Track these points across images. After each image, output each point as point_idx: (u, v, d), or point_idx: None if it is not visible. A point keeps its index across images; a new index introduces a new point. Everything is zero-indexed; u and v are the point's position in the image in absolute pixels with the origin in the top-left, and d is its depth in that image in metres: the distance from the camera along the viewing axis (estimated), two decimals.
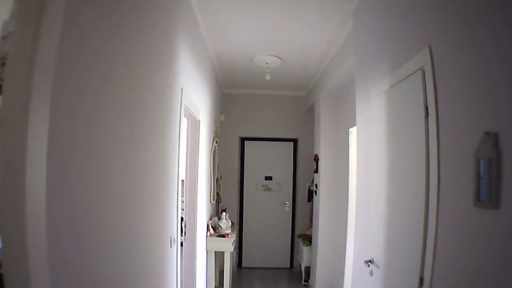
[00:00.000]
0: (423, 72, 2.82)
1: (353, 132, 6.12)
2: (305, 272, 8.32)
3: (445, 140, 2.55)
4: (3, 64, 1.43)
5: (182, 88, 4.09)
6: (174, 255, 3.91)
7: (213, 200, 7.31)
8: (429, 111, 2.75)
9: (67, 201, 1.69)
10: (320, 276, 7.54)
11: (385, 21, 3.75)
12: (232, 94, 9.44)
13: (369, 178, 4.10)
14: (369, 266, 3.84)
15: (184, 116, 4.65)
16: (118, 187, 2.35)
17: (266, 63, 6.88)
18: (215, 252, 6.74)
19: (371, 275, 3.80)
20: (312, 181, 8.44)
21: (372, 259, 3.81)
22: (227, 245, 6.64)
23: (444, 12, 2.55)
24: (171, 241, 3.75)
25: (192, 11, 4.70)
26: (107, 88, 2.14)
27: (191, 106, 4.62)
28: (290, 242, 9.69)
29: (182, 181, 5.13)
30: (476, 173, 2.10)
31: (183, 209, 5.41)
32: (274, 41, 6.04)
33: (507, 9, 1.88)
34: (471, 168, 2.16)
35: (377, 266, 3.68)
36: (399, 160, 3.35)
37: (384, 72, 3.70)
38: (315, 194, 7.92)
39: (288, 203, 9.66)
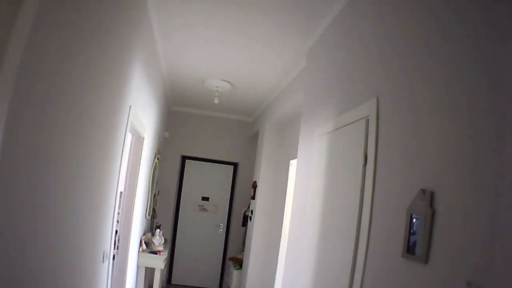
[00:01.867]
0: (367, 121, 2.85)
1: (293, 164, 6.23)
2: None
3: (380, 190, 2.59)
4: None
5: (130, 106, 4.11)
6: (105, 270, 3.88)
7: (149, 215, 7.28)
8: (368, 160, 2.78)
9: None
10: None
11: (338, 65, 3.81)
12: (180, 112, 9.48)
13: (303, 214, 4.14)
14: None
15: (130, 132, 4.66)
16: (59, 200, 2.36)
17: (217, 86, 6.96)
18: (145, 268, 6.70)
19: None
20: (248, 207, 8.54)
21: None
22: (158, 262, 6.61)
23: (394, 66, 2.61)
24: (103, 256, 3.72)
25: (152, 29, 4.75)
26: (59, 105, 2.16)
27: (137, 123, 4.64)
28: (221, 264, 9.72)
29: (121, 193, 5.12)
30: (407, 227, 2.15)
31: (118, 221, 5.39)
32: (227, 67, 6.16)
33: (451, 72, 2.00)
34: (403, 221, 2.19)
35: None
36: (334, 202, 3.37)
37: (330, 114, 3.76)
38: (250, 219, 8.00)
39: (223, 226, 9.71)
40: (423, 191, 2.05)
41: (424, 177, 2.10)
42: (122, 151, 4.02)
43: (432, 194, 1.99)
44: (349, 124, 3.23)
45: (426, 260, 1.96)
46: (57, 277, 2.49)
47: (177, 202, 9.62)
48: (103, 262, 3.72)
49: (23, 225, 1.88)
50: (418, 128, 2.23)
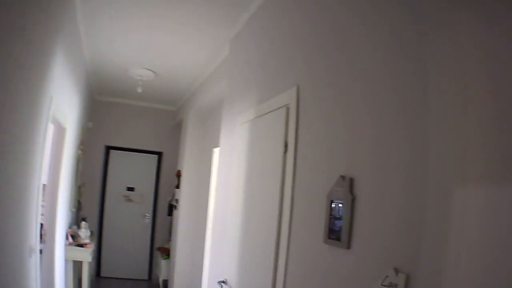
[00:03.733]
0: (288, 109, 2.93)
1: (217, 152, 6.30)
2: (163, 285, 8.40)
3: (301, 177, 2.66)
4: None
5: (52, 97, 4.05)
6: (33, 264, 3.80)
7: (74, 208, 7.18)
8: (288, 148, 2.87)
9: None
10: None
11: (260, 54, 3.87)
12: (104, 102, 9.33)
13: (227, 201, 4.23)
14: (222, 286, 3.90)
15: (51, 123, 4.60)
16: None
17: (140, 75, 6.93)
18: (73, 261, 6.62)
19: None
20: (173, 196, 8.56)
21: (226, 280, 3.90)
22: (85, 255, 6.54)
23: (314, 56, 2.70)
24: (29, 251, 3.65)
25: (75, 19, 4.67)
26: None
27: (59, 114, 4.56)
28: (149, 254, 9.70)
29: (44, 185, 5.05)
30: (328, 213, 2.21)
31: (43, 215, 5.31)
32: (150, 56, 6.14)
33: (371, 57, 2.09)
34: (324, 207, 2.26)
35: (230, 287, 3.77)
36: (256, 189, 3.44)
37: (252, 102, 3.83)
38: (175, 208, 8.04)
39: (149, 216, 9.69)
40: (343, 177, 2.11)
41: (344, 163, 2.17)
42: (44, 143, 3.96)
43: (351, 180, 2.06)
44: (270, 112, 3.30)
45: (348, 245, 2.02)
46: None
47: (102, 193, 9.48)
48: (30, 256, 3.66)
49: None
50: (337, 115, 2.31)
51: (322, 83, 2.55)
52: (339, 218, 2.12)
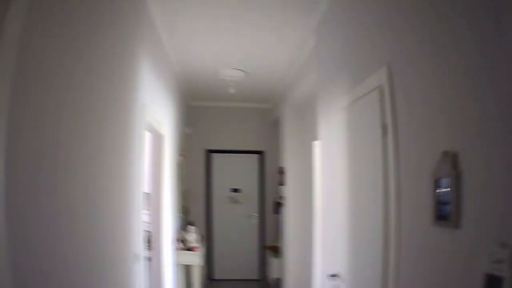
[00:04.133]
0: (381, 90, 2.79)
1: (317, 145, 6.16)
2: (275, 284, 8.33)
3: (403, 159, 2.54)
4: None
5: (143, 104, 4.10)
6: (138, 271, 3.86)
7: (181, 213, 7.29)
8: (387, 130, 2.73)
9: (26, 217, 1.69)
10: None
11: (346, 37, 3.76)
12: (198, 107, 9.44)
13: (333, 192, 4.10)
14: (334, 280, 3.80)
15: (147, 130, 4.65)
16: (78, 203, 2.35)
17: (230, 76, 6.91)
18: (184, 265, 6.70)
19: None
20: (279, 193, 8.48)
21: (338, 273, 3.78)
22: (195, 258, 6.62)
23: (403, 31, 2.55)
24: (134, 258, 3.72)
25: (154, 26, 4.71)
26: (65, 111, 2.14)
27: (153, 121, 4.62)
28: (259, 254, 9.69)
29: (148, 194, 5.12)
30: (435, 193, 2.08)
31: (148, 223, 5.39)
32: (238, 56, 6.12)
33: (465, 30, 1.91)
34: (430, 187, 2.13)
35: (343, 281, 3.65)
36: (360, 177, 3.33)
37: (344, 88, 3.71)
38: (282, 206, 7.96)
39: (256, 215, 9.68)
40: (446, 153, 1.98)
41: (446, 139, 2.03)
42: (141, 151, 4.01)
43: (455, 155, 1.92)
44: (363, 96, 3.18)
45: (456, 224, 1.90)
46: (84, 282, 2.47)
47: (207, 197, 9.59)
48: (134, 263, 3.71)
49: (44, 231, 1.86)
50: (436, 89, 2.16)
51: (415, 58, 2.39)
52: (445, 197, 1.99)
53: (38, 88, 1.81)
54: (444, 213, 2.00)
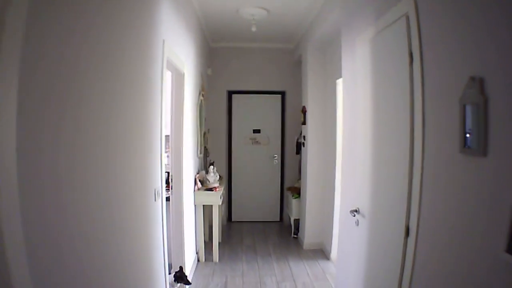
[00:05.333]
0: (407, 18, 2.76)
1: (340, 83, 6.05)
2: (294, 225, 8.37)
3: (430, 86, 2.51)
4: None
5: (164, 40, 4.00)
6: (159, 208, 3.88)
7: (201, 154, 7.27)
8: (413, 58, 2.70)
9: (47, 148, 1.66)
10: (309, 228, 7.61)
11: None
12: (219, 48, 9.27)
13: (355, 129, 4.08)
14: (354, 216, 3.84)
15: (168, 69, 4.56)
16: (100, 139, 2.33)
17: (252, 14, 6.71)
18: (204, 206, 6.72)
19: (357, 225, 3.80)
20: (300, 133, 8.41)
21: (358, 208, 3.81)
22: (215, 199, 6.63)
23: None
24: (155, 194, 3.72)
25: None
26: (85, 43, 2.08)
27: (174, 58, 4.52)
28: (279, 195, 9.71)
29: (167, 136, 5.08)
30: (462, 120, 2.05)
31: (168, 164, 5.38)
32: None
33: None
34: (456, 114, 2.11)
35: (363, 216, 3.68)
36: (384, 109, 3.31)
37: (368, 20, 3.64)
38: (303, 146, 7.90)
39: (277, 156, 9.64)
40: (473, 78, 1.94)
41: (473, 64, 1.98)
42: (162, 90, 3.93)
43: (482, 80, 1.88)
44: (389, 25, 3.15)
45: (485, 152, 1.88)
46: (108, 213, 2.46)
47: (228, 138, 9.57)
48: (155, 200, 3.72)
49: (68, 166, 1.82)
50: (462, 13, 2.10)
51: None
52: (473, 124, 1.97)
53: (55, 32, 1.73)
54: (472, 140, 1.97)
